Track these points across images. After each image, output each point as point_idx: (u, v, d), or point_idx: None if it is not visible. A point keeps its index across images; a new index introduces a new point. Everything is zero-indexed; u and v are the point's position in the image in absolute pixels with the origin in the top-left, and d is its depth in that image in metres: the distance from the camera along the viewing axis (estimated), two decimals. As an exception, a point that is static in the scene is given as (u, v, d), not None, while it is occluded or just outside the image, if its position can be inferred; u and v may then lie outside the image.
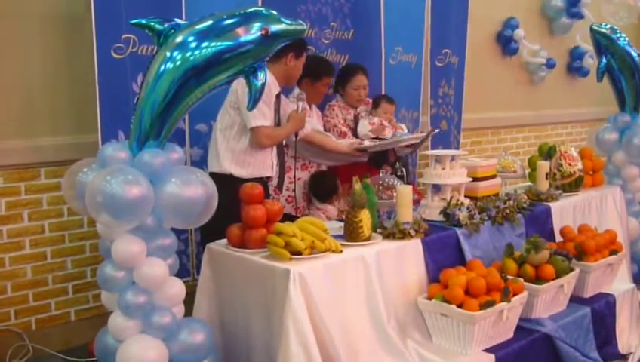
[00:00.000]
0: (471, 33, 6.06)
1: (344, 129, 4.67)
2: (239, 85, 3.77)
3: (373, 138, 4.60)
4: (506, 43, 7.00)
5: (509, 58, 7.14)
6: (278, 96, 4.03)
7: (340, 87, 4.81)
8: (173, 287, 2.85)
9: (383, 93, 5.13)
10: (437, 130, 5.12)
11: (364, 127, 4.66)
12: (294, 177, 4.43)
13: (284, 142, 4.27)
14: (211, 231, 3.35)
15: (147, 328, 2.79)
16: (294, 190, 4.43)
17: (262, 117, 3.78)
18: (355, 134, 4.71)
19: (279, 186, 4.27)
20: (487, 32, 6.88)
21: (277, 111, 4.02)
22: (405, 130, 4.84)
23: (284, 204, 4.39)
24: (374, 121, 4.68)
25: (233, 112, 3.85)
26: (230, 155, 3.85)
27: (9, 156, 3.99)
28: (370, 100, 4.90)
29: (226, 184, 3.46)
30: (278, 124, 4.03)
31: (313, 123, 4.47)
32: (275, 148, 4.04)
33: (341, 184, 4.51)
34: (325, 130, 4.65)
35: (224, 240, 3.27)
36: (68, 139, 4.15)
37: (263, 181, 3.91)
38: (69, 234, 4.25)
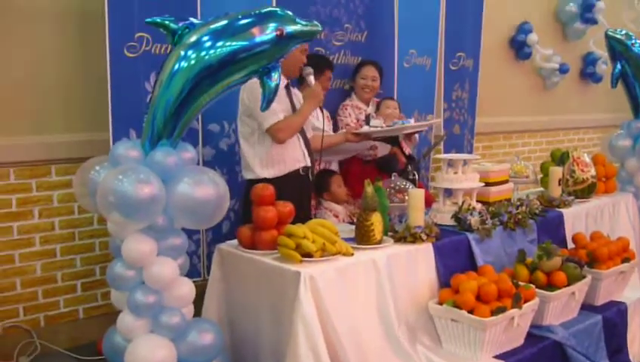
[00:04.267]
0: (484, 37, 6.04)
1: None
2: (244, 93, 3.78)
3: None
4: (519, 47, 6.97)
5: (522, 62, 7.11)
6: (287, 87, 3.97)
7: (352, 79, 4.89)
8: (183, 287, 2.84)
9: (395, 96, 5.14)
10: (438, 120, 5.06)
11: (375, 122, 4.62)
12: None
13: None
14: None
15: (156, 328, 2.79)
16: None
17: (272, 115, 3.74)
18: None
19: (312, 176, 4.22)
20: (501, 36, 6.86)
21: (291, 102, 3.97)
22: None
23: None
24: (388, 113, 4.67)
25: (249, 120, 3.84)
26: (259, 161, 3.85)
27: (20, 153, 3.99)
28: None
29: None
30: None
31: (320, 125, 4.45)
32: (301, 137, 3.98)
33: (351, 187, 4.47)
34: (339, 129, 4.66)
35: (235, 241, 3.26)
36: (80, 136, 4.15)
37: (300, 174, 3.93)
38: (79, 232, 4.25)
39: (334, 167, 4.71)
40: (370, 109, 4.86)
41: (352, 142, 4.37)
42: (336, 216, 4.35)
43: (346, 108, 4.81)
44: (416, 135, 4.96)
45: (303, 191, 3.97)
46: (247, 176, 3.91)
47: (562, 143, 7.62)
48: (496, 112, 6.80)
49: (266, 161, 3.85)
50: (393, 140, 4.79)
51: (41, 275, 4.14)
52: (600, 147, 5.84)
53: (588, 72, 7.91)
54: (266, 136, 3.82)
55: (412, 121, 4.53)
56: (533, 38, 6.91)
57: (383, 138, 4.65)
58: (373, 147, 4.76)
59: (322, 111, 4.13)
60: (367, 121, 4.68)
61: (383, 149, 4.80)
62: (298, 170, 3.95)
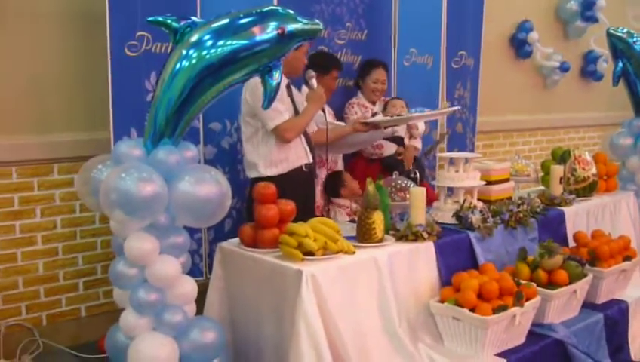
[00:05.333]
0: (484, 35, 6.03)
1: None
2: (247, 93, 3.81)
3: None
4: (519, 46, 6.97)
5: (523, 61, 7.11)
6: (288, 87, 4.01)
7: (360, 80, 4.90)
8: (185, 286, 2.85)
9: (394, 94, 5.14)
10: (455, 108, 5.04)
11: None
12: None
13: None
14: None
15: (158, 326, 2.79)
16: None
17: (277, 115, 3.78)
18: None
19: (314, 173, 4.21)
20: (501, 35, 6.87)
21: (293, 101, 4.00)
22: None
23: None
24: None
25: (252, 121, 3.87)
26: (263, 161, 3.87)
27: (23, 151, 4.00)
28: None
29: None
30: (297, 113, 3.99)
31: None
32: (302, 136, 4.00)
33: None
34: None
35: (236, 240, 3.27)
36: (81, 135, 4.16)
37: (303, 171, 3.97)
38: (80, 231, 4.26)
39: (340, 166, 4.71)
40: (377, 108, 4.88)
41: (360, 132, 4.32)
42: (349, 215, 4.33)
43: (352, 106, 4.84)
44: (419, 145, 4.98)
45: (307, 188, 3.98)
46: (251, 175, 3.93)
47: (563, 142, 7.62)
48: (496, 111, 6.80)
49: (270, 161, 3.87)
50: (399, 141, 4.82)
51: (43, 274, 4.15)
52: (600, 146, 5.83)
53: (589, 70, 7.91)
54: (269, 136, 3.84)
55: (426, 110, 4.51)
56: (533, 36, 6.91)
57: (391, 138, 4.66)
58: (379, 146, 4.78)
59: (325, 111, 4.12)
60: None
61: (389, 149, 4.81)
62: (301, 167, 3.97)
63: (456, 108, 5.05)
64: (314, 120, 4.18)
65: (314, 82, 4.02)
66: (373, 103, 4.90)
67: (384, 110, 4.87)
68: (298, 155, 3.96)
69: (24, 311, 4.10)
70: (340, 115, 4.80)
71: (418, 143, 5.02)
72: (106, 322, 3.31)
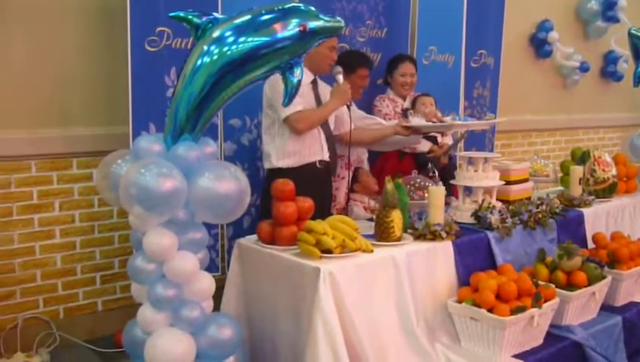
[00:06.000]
0: (504, 34, 5.99)
1: (395, 120, 4.62)
2: (267, 86, 3.83)
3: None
4: (539, 45, 6.93)
5: (543, 61, 7.06)
6: (314, 82, 4.01)
7: (389, 75, 4.92)
8: (203, 281, 2.85)
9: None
10: (504, 119, 5.00)
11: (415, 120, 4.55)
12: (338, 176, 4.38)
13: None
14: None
15: (176, 321, 2.79)
16: (336, 189, 4.36)
17: (290, 106, 3.75)
18: None
19: (332, 171, 4.20)
20: (521, 34, 6.82)
21: (317, 97, 4.00)
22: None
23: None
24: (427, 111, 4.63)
25: (270, 112, 3.88)
26: (276, 151, 3.87)
27: (43, 145, 4.03)
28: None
29: (278, 177, 3.44)
30: None
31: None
32: (322, 132, 3.99)
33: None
34: None
35: (254, 236, 3.27)
36: (100, 130, 4.18)
37: (316, 166, 3.95)
38: (98, 225, 4.28)
39: (365, 166, 4.69)
40: (407, 104, 4.87)
41: (401, 135, 4.25)
42: (365, 209, 4.32)
43: (383, 100, 4.85)
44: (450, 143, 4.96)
45: (321, 185, 3.96)
46: (266, 165, 3.97)
47: (582, 142, 7.55)
48: (515, 110, 6.74)
49: (282, 152, 3.86)
50: (432, 139, 4.84)
51: (60, 267, 4.17)
52: (620, 146, 5.78)
53: (609, 70, 7.84)
54: (284, 128, 3.84)
55: (469, 120, 4.46)
56: (553, 35, 6.86)
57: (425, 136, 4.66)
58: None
59: (349, 109, 4.09)
60: (404, 116, 4.66)
61: (423, 145, 4.80)
62: (315, 162, 3.94)
63: (502, 120, 5.01)
64: (354, 118, 4.16)
65: (340, 77, 4.01)
66: (404, 98, 4.90)
67: (413, 107, 4.83)
68: (312, 150, 3.94)
69: (41, 304, 4.12)
70: (368, 110, 4.74)
71: (449, 141, 5.00)
72: (123, 316, 3.32)
